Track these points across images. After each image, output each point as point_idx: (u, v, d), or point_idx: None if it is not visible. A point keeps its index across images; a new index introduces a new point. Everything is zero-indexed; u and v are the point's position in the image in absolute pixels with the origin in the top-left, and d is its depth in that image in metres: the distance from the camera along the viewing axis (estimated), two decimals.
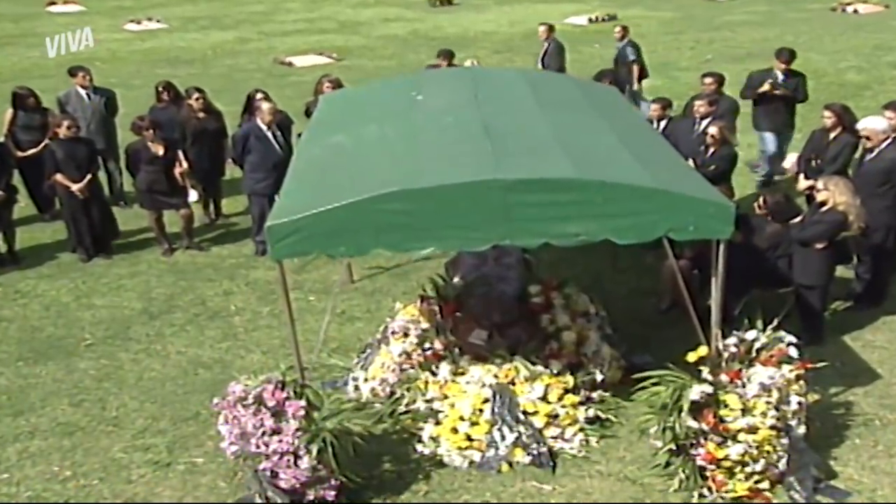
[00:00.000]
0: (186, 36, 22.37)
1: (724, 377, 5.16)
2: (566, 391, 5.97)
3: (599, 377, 6.19)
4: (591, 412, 6.00)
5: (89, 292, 8.58)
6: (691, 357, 5.26)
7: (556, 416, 5.87)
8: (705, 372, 5.17)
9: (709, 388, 5.08)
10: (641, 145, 5.93)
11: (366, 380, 6.53)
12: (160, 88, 10.45)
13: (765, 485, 5.29)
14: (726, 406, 5.12)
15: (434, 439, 5.88)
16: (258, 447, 5.26)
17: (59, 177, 8.98)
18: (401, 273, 8.68)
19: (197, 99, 9.92)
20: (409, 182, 5.02)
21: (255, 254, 9.29)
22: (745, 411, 5.11)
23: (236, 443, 5.40)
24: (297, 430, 5.23)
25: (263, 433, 5.27)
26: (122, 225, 10.01)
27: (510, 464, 5.70)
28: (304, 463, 5.25)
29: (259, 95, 9.61)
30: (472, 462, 5.73)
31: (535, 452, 5.69)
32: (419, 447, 5.89)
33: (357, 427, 5.31)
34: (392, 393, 6.32)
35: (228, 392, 5.39)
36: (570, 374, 6.07)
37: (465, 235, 5.02)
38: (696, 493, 5.30)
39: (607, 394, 6.17)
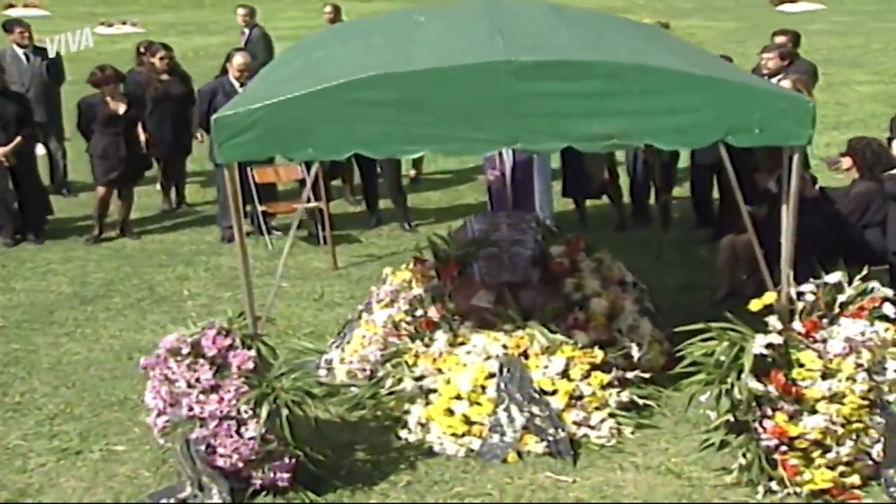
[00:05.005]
0: (165, 40, 22.40)
1: (798, 326, 4.64)
2: (593, 367, 5.48)
3: (636, 354, 5.69)
4: (624, 396, 5.50)
5: (9, 276, 8.33)
6: (755, 305, 4.76)
7: (580, 396, 5.39)
8: (773, 320, 4.66)
9: (778, 339, 4.57)
10: (692, 54, 5.56)
11: (342, 360, 6.08)
12: (141, 49, 10.25)
13: (854, 479, 4.71)
14: (801, 366, 4.59)
15: (423, 424, 5.39)
16: (191, 409, 4.79)
17: None
18: (395, 262, 8.25)
19: (161, 58, 9.70)
20: (396, 66, 4.66)
21: (220, 240, 8.96)
22: (827, 374, 4.59)
23: (165, 411, 4.94)
24: (243, 385, 4.76)
25: (201, 392, 4.80)
26: (65, 213, 9.73)
27: (519, 453, 5.20)
28: (250, 431, 4.77)
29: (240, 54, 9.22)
30: (469, 450, 5.25)
31: (551, 439, 5.18)
32: (403, 433, 5.41)
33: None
34: (373, 373, 5.85)
35: (160, 346, 4.97)
36: (598, 349, 5.58)
37: (464, 135, 4.64)
38: (760, 487, 4.73)
39: (646, 375, 5.65)
